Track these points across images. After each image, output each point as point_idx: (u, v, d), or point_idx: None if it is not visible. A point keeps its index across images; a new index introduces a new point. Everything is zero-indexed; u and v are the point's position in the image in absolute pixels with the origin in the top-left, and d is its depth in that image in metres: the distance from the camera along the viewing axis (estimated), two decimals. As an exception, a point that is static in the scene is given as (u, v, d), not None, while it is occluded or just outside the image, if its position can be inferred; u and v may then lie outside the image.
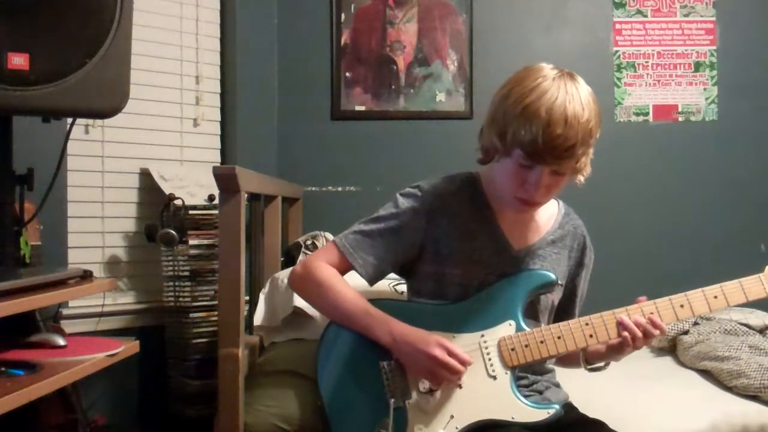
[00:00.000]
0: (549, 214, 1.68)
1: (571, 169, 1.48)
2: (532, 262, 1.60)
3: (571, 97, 1.42)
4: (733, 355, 2.12)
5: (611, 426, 1.55)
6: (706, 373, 2.19)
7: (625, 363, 1.60)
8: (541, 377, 1.64)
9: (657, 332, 1.48)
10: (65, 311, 2.27)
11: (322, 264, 1.61)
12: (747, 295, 1.50)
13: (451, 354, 1.47)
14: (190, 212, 2.35)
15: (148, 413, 2.50)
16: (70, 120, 1.64)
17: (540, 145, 1.41)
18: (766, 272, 1.52)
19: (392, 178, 2.86)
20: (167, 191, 2.41)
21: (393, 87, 3.16)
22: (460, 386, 1.50)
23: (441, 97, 3.17)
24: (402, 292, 1.92)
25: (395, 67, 3.16)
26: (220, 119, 2.81)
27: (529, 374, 1.60)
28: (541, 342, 1.51)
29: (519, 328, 1.53)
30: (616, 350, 1.53)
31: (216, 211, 2.30)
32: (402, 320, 1.53)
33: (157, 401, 2.39)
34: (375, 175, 3.10)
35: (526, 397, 1.51)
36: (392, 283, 2.02)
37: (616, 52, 3.20)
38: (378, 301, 1.58)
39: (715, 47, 3.20)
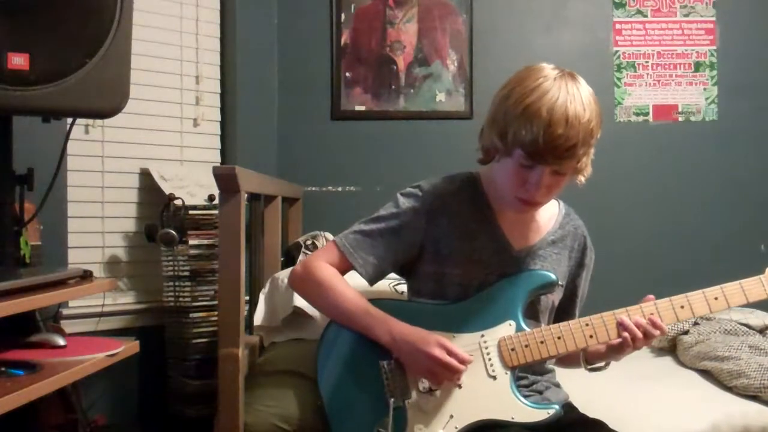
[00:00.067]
0: (549, 215, 1.68)
1: (572, 169, 1.48)
2: (532, 262, 1.60)
3: (573, 97, 1.42)
4: (733, 355, 2.12)
5: (611, 426, 1.55)
6: (706, 373, 2.19)
7: (625, 363, 1.60)
8: (541, 377, 1.64)
9: (657, 333, 1.48)
10: (65, 311, 2.27)
11: (322, 264, 1.61)
12: (747, 296, 1.50)
13: (450, 353, 1.47)
14: (190, 212, 2.35)
15: (148, 413, 2.50)
16: (70, 120, 1.64)
17: (541, 145, 1.41)
18: (767, 274, 1.52)
19: (392, 178, 2.86)
20: (167, 191, 2.41)
21: (393, 87, 3.16)
22: (459, 386, 1.50)
23: (441, 97, 3.17)
24: (402, 292, 1.92)
25: (395, 67, 3.16)
26: (220, 119, 2.81)
27: (529, 374, 1.60)
28: (541, 342, 1.51)
29: (519, 329, 1.53)
30: (616, 350, 1.53)
31: (216, 211, 2.30)
32: (402, 320, 1.53)
33: (157, 401, 2.39)
34: (375, 175, 3.10)
35: (525, 397, 1.51)
36: (392, 283, 2.02)
37: (616, 52, 3.20)
38: (378, 301, 1.58)
39: (715, 47, 3.20)
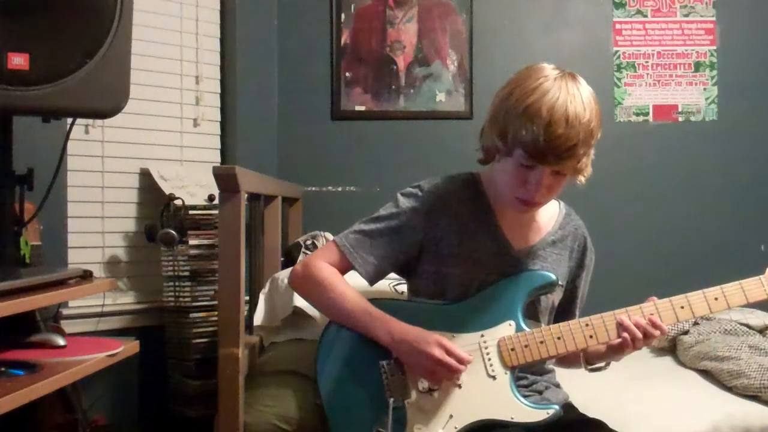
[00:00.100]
0: (550, 215, 1.68)
1: (572, 169, 1.48)
2: (532, 262, 1.60)
3: (573, 97, 1.42)
4: (733, 355, 2.12)
5: (611, 426, 1.55)
6: (706, 373, 2.19)
7: (625, 363, 1.60)
8: (541, 377, 1.64)
9: (657, 333, 1.48)
10: (65, 311, 2.27)
11: (322, 263, 1.61)
12: (747, 297, 1.50)
13: (449, 353, 1.47)
14: (190, 212, 2.35)
15: (148, 413, 2.49)
16: (70, 120, 1.64)
17: (541, 145, 1.41)
18: (767, 274, 1.52)
19: (392, 178, 2.86)
20: (167, 191, 2.41)
21: (393, 87, 3.16)
22: (459, 386, 1.50)
23: (441, 97, 3.17)
24: (402, 292, 1.92)
25: (395, 67, 3.16)
26: (220, 119, 2.81)
27: (528, 374, 1.60)
28: (541, 342, 1.51)
29: (519, 329, 1.53)
30: (616, 351, 1.53)
31: (216, 211, 2.30)
32: (402, 320, 1.53)
33: (157, 401, 2.39)
34: (375, 175, 3.10)
35: (525, 397, 1.51)
36: (392, 283, 2.02)
37: (616, 52, 3.20)
38: (378, 301, 1.58)
39: (715, 47, 3.20)
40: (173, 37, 2.66)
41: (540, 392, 1.61)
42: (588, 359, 1.59)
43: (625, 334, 1.48)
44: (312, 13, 3.15)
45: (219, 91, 2.81)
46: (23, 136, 1.57)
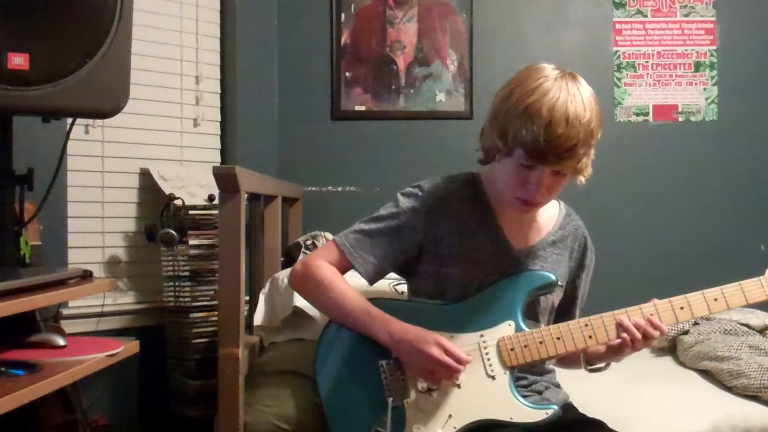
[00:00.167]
0: (550, 215, 1.68)
1: (572, 169, 1.48)
2: (532, 262, 1.60)
3: (573, 97, 1.42)
4: (733, 355, 2.12)
5: (611, 426, 1.55)
6: (706, 373, 2.19)
7: (625, 363, 1.60)
8: (541, 378, 1.64)
9: (656, 333, 1.48)
10: (65, 311, 2.27)
11: (322, 263, 1.61)
12: (747, 297, 1.50)
13: (448, 353, 1.47)
14: (190, 212, 2.35)
15: (148, 413, 2.50)
16: (70, 120, 1.64)
17: (541, 145, 1.41)
18: (767, 275, 1.52)
19: (392, 178, 2.86)
20: (167, 191, 2.41)
21: (393, 87, 3.16)
22: (458, 386, 1.50)
23: (441, 97, 3.17)
24: (402, 292, 1.92)
25: (395, 67, 3.16)
26: (220, 119, 2.81)
27: (528, 375, 1.60)
28: (540, 343, 1.51)
29: (518, 329, 1.53)
30: (615, 351, 1.53)
31: (216, 211, 2.30)
32: (402, 320, 1.53)
33: (157, 401, 2.39)
34: (375, 175, 3.10)
35: (524, 397, 1.51)
36: (392, 283, 2.02)
37: (616, 52, 3.20)
38: (378, 301, 1.58)
39: (715, 47, 3.20)
40: (173, 37, 2.66)
41: (540, 392, 1.61)
42: (588, 360, 1.59)
43: (625, 335, 1.48)
44: (312, 13, 3.15)
45: (219, 91, 2.81)
46: (23, 136, 1.57)
